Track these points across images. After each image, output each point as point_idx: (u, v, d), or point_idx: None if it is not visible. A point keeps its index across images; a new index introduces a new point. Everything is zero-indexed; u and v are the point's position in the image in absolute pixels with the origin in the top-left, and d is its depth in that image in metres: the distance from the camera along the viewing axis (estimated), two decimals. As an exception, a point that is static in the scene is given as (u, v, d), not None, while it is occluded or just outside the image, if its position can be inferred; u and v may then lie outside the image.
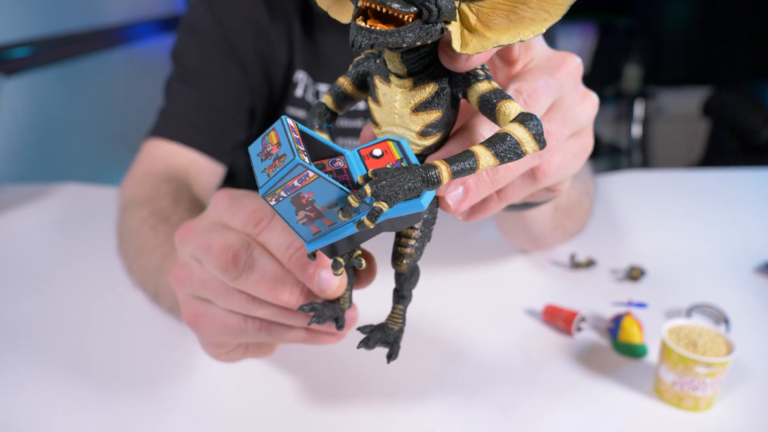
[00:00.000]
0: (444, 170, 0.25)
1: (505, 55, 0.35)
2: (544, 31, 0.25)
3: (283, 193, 0.25)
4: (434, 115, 0.28)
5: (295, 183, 0.25)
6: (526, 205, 0.49)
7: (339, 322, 0.35)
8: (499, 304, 0.66)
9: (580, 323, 0.61)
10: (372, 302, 0.45)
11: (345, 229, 0.27)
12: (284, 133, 0.26)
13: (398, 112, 0.29)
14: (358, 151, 0.29)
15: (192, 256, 0.38)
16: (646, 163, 2.94)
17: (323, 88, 0.82)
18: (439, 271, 0.72)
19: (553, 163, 0.34)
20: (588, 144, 0.37)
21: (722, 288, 0.68)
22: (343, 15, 0.30)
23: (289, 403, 0.52)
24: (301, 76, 0.81)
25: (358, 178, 0.26)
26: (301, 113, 0.85)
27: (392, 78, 0.28)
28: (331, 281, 0.33)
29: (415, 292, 0.35)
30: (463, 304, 0.66)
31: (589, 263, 0.74)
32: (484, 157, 0.25)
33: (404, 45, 0.25)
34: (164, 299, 0.58)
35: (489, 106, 0.27)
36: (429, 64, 0.28)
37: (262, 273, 0.35)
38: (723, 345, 0.50)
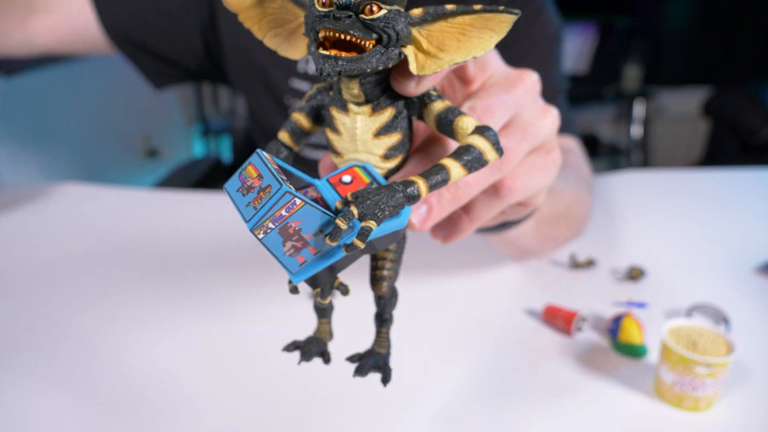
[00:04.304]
0: (422, 184, 0.27)
1: (461, 74, 0.36)
2: (493, 46, 0.27)
3: (271, 225, 0.25)
4: (395, 138, 0.30)
5: (283, 212, 0.25)
6: (504, 225, 0.49)
7: (325, 357, 0.35)
8: (499, 304, 0.66)
9: (580, 323, 0.61)
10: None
11: (331, 256, 0.27)
12: (263, 165, 0.26)
13: (360, 138, 0.30)
14: (327, 180, 0.30)
15: None
16: (646, 163, 2.93)
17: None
18: (439, 272, 0.72)
19: (518, 179, 0.35)
20: (556, 158, 0.38)
21: (722, 288, 0.68)
22: (294, 52, 0.32)
23: (286, 410, 0.52)
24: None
25: (336, 203, 0.27)
26: (304, 85, 0.84)
27: (350, 106, 0.30)
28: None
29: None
30: (463, 304, 0.66)
31: (589, 263, 0.74)
32: (455, 168, 0.27)
33: (368, 70, 0.26)
34: None
35: (446, 124, 0.29)
36: (384, 89, 0.29)
37: None
38: (723, 345, 0.50)
